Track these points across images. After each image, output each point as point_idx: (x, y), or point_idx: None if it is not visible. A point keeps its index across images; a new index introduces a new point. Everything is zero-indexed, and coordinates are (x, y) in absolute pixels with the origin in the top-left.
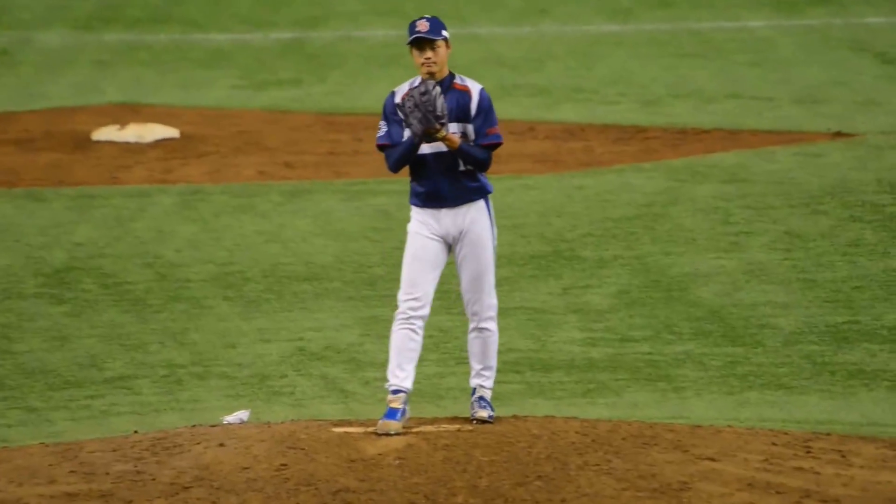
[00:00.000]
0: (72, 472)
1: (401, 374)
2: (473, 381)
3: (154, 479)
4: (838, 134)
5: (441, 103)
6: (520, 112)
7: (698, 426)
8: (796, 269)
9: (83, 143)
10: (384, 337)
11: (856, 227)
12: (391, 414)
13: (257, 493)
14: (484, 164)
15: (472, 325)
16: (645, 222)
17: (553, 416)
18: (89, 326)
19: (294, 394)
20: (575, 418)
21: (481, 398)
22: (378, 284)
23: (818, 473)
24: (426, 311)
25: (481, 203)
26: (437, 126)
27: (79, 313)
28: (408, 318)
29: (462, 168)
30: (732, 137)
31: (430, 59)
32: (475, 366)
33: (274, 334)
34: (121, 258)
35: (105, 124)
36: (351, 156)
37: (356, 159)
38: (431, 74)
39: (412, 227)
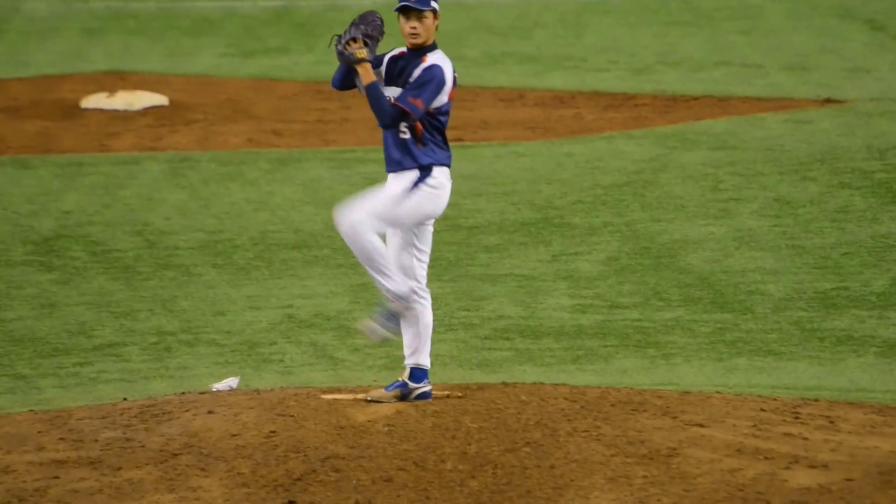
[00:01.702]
0: (60, 439)
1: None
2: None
3: (143, 446)
4: (827, 101)
5: (374, 27)
6: (508, 80)
7: (687, 392)
8: (785, 235)
9: (71, 111)
10: (373, 304)
11: (845, 194)
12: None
13: (246, 459)
14: (381, 117)
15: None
16: (634, 189)
17: (542, 383)
18: (78, 294)
19: (283, 361)
20: (564, 385)
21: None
22: None
23: (806, 439)
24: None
25: (412, 174)
26: (349, 40)
27: (67, 281)
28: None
29: (403, 135)
30: (722, 104)
31: (415, 28)
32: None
33: (263, 302)
34: (109, 226)
35: (93, 92)
36: (339, 124)
37: (344, 127)
38: (416, 46)
39: None
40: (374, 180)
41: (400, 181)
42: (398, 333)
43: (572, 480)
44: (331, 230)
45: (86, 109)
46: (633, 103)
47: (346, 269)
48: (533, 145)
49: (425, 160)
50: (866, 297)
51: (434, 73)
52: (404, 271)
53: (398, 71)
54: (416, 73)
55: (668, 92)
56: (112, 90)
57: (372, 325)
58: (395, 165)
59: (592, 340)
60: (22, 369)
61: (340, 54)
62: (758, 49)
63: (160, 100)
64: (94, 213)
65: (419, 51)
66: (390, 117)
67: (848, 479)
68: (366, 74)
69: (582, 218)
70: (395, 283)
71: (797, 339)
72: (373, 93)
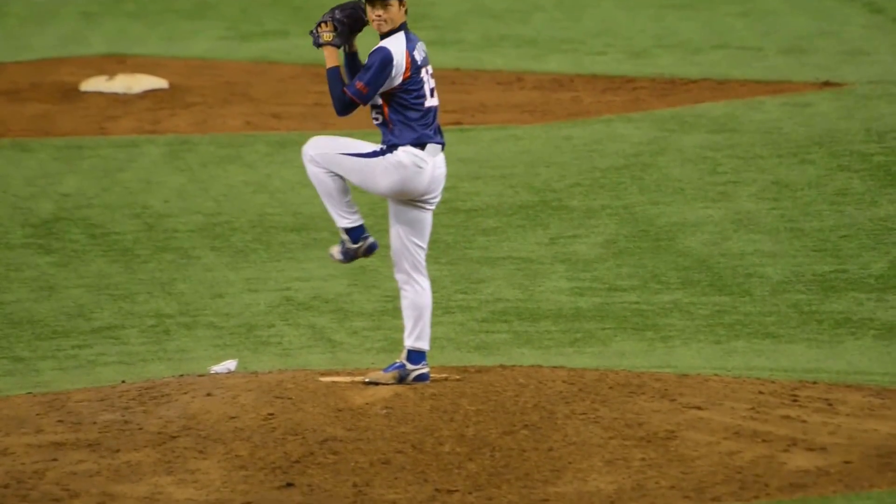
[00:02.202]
0: (59, 421)
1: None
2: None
3: (141, 429)
4: (826, 84)
5: (348, 14)
6: (506, 63)
7: (685, 375)
8: (784, 218)
9: (70, 94)
10: (371, 287)
11: (843, 177)
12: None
13: (244, 442)
14: (334, 101)
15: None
16: (633, 172)
17: (540, 366)
18: (77, 276)
19: (281, 343)
20: (562, 367)
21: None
22: None
23: (805, 422)
24: (396, 271)
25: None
26: (321, 23)
27: (66, 263)
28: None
29: (376, 121)
30: (720, 87)
31: (380, 16)
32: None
33: (261, 284)
34: (108, 208)
35: (91, 75)
36: None
37: None
38: (383, 33)
39: None
40: None
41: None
42: (352, 256)
43: (570, 463)
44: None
45: (85, 92)
46: (631, 86)
47: None
48: (531, 128)
49: (390, 140)
50: (865, 280)
51: (378, 55)
52: (400, 259)
53: None
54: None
55: (666, 75)
56: (111, 73)
57: (333, 251)
58: None
59: (590, 323)
60: (21, 352)
61: (311, 34)
62: (756, 32)
63: (159, 83)
64: (93, 196)
65: (384, 35)
66: (340, 103)
67: (846, 462)
68: (328, 58)
69: (580, 201)
70: (346, 221)
71: (795, 321)
72: (329, 77)
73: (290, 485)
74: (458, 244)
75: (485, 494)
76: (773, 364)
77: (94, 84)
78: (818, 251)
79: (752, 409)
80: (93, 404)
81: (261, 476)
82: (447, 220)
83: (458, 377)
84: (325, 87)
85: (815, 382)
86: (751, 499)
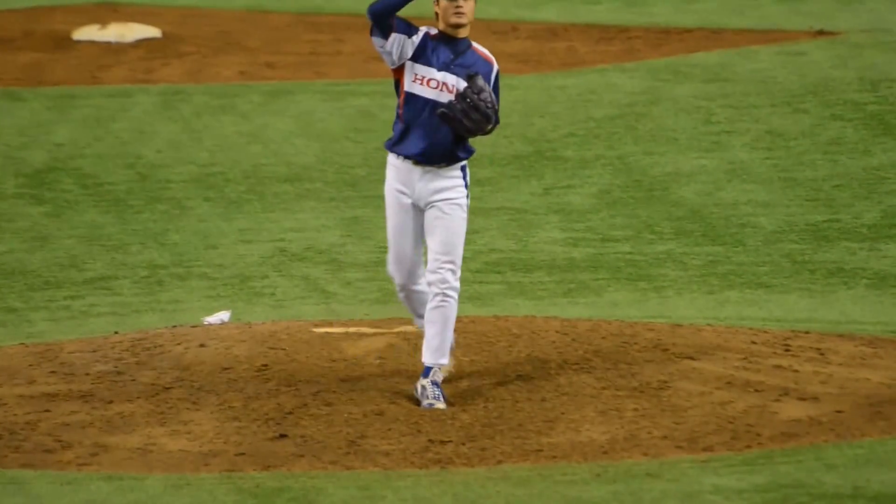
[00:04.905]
0: (52, 372)
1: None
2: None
3: (134, 380)
4: (820, 32)
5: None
6: (501, 11)
7: (678, 325)
8: (777, 167)
9: (63, 43)
10: (365, 238)
11: (837, 126)
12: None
13: (238, 393)
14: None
15: (434, 292)
16: (627, 122)
17: (533, 316)
18: (69, 227)
19: (275, 294)
20: (555, 318)
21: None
22: (359, 185)
23: (797, 371)
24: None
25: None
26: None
27: (59, 214)
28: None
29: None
30: (714, 36)
31: (460, 8)
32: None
33: (255, 235)
34: (101, 158)
35: (85, 23)
36: (332, 56)
37: (337, 60)
38: (459, 26)
39: (390, 192)
40: (368, 113)
41: (452, 189)
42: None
43: (563, 413)
44: (323, 163)
45: (77, 41)
46: (625, 36)
47: (338, 202)
48: (525, 78)
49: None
50: (857, 230)
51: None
52: (414, 269)
53: (444, 55)
54: (491, 78)
55: (661, 24)
56: (104, 22)
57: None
58: (439, 161)
59: (584, 273)
60: (13, 302)
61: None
62: None
63: (152, 32)
64: (85, 146)
65: (462, 41)
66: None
67: (838, 411)
68: None
69: (574, 151)
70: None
71: (788, 271)
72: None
73: (283, 436)
74: None
75: (478, 445)
76: (766, 314)
77: (87, 33)
78: (811, 201)
79: (745, 358)
80: (85, 355)
81: (254, 427)
82: None
83: None
84: (319, 36)
85: (807, 332)
86: (743, 448)
